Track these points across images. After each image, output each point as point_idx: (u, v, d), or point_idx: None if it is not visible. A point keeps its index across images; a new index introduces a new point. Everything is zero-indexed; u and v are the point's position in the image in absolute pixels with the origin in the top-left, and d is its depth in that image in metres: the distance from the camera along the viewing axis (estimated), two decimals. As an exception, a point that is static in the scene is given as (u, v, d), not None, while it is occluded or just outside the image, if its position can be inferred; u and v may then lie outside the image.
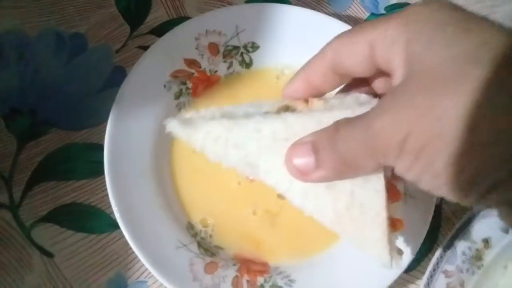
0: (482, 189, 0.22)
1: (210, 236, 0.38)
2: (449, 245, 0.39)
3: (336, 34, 0.42)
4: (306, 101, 0.30)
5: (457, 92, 0.21)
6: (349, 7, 0.51)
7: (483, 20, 0.23)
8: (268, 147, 0.30)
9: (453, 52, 0.22)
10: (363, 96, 0.29)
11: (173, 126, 0.32)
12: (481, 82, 0.21)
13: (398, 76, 0.25)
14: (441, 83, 0.22)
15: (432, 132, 0.22)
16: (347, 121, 0.25)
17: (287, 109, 0.30)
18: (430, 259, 0.39)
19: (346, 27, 0.44)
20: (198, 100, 0.42)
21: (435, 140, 0.22)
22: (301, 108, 0.30)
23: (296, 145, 0.27)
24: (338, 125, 0.26)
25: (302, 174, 0.26)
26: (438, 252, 0.39)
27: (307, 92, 0.30)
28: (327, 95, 0.31)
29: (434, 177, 0.23)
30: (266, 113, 0.30)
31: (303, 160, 0.26)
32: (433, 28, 0.24)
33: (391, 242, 0.29)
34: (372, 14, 0.50)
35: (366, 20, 0.50)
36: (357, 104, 0.29)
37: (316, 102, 0.30)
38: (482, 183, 0.22)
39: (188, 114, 0.30)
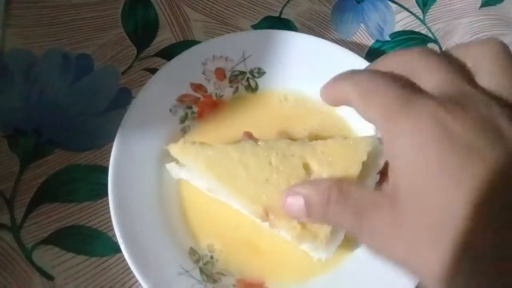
0: None
1: (217, 260, 0.38)
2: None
3: (340, 60, 0.43)
4: None
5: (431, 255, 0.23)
6: (355, 33, 0.51)
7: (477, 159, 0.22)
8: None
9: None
10: None
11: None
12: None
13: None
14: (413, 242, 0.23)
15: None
16: (339, 198, 0.28)
17: None
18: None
19: (350, 53, 0.45)
20: (203, 124, 0.42)
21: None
22: None
23: (290, 194, 0.30)
24: (331, 198, 0.28)
25: (300, 217, 0.31)
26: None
27: None
28: None
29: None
30: None
31: (297, 209, 0.30)
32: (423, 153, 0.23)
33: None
34: (377, 41, 0.51)
35: (371, 47, 0.51)
36: None
37: None
38: None
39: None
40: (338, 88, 0.28)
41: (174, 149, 0.37)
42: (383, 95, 0.25)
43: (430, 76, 0.25)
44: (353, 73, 0.28)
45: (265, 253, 0.38)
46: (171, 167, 0.38)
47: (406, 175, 0.24)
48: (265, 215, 0.34)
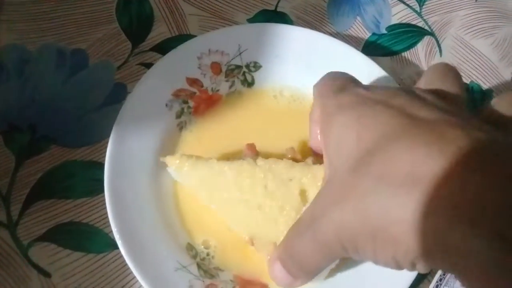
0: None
1: (213, 257, 0.38)
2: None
3: (337, 53, 0.43)
4: None
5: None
6: (351, 27, 0.51)
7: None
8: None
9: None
10: None
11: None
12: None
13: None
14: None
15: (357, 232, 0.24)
16: (295, 231, 0.28)
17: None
18: (429, 281, 0.39)
19: (347, 46, 0.44)
20: (199, 119, 0.42)
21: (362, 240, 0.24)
22: None
23: (271, 265, 0.30)
24: (289, 237, 0.29)
25: (289, 285, 0.30)
26: (437, 275, 0.39)
27: None
28: None
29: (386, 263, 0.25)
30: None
31: (281, 277, 0.29)
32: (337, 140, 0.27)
33: None
34: (374, 34, 0.51)
35: (367, 40, 0.50)
36: None
37: None
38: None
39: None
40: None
41: (170, 162, 0.37)
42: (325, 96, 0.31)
43: None
44: None
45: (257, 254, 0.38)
46: (171, 171, 0.38)
47: (333, 139, 0.28)
48: (250, 241, 0.35)
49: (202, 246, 0.38)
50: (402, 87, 0.29)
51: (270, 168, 0.35)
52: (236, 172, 0.35)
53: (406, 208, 0.22)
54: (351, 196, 0.24)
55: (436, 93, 0.28)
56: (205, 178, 0.36)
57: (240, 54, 0.43)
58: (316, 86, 0.33)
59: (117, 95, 0.44)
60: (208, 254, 0.38)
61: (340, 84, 0.30)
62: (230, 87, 0.44)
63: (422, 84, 0.30)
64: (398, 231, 0.22)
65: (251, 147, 0.38)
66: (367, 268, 0.37)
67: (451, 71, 0.30)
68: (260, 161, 0.36)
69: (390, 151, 0.23)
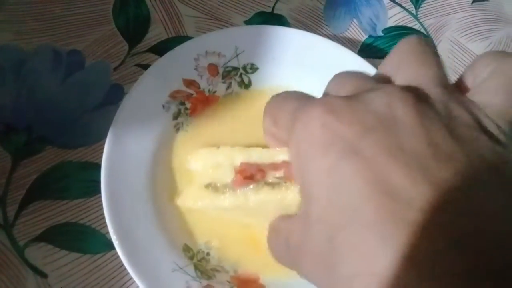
0: None
1: (212, 257, 0.38)
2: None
3: (333, 56, 0.43)
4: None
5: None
6: (348, 29, 0.51)
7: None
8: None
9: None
10: None
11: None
12: None
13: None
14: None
15: None
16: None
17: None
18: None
19: (343, 49, 0.45)
20: (196, 120, 0.42)
21: None
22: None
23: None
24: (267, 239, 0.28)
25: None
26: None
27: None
28: None
29: None
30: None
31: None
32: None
33: None
34: (370, 36, 0.51)
35: (363, 42, 0.51)
36: None
37: None
38: None
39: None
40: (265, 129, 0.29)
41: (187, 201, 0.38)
42: (285, 113, 0.25)
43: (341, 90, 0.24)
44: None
45: (262, 246, 0.38)
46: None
47: (301, 184, 0.23)
48: None
49: (204, 247, 0.38)
50: (375, 91, 0.22)
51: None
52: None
53: None
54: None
55: (413, 103, 0.21)
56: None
57: (237, 55, 0.43)
58: (268, 109, 0.29)
59: (113, 96, 0.44)
60: (208, 254, 0.38)
61: (293, 107, 0.25)
62: (227, 88, 0.44)
63: (389, 66, 0.24)
64: None
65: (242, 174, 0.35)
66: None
67: (427, 49, 0.24)
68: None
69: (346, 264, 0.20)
